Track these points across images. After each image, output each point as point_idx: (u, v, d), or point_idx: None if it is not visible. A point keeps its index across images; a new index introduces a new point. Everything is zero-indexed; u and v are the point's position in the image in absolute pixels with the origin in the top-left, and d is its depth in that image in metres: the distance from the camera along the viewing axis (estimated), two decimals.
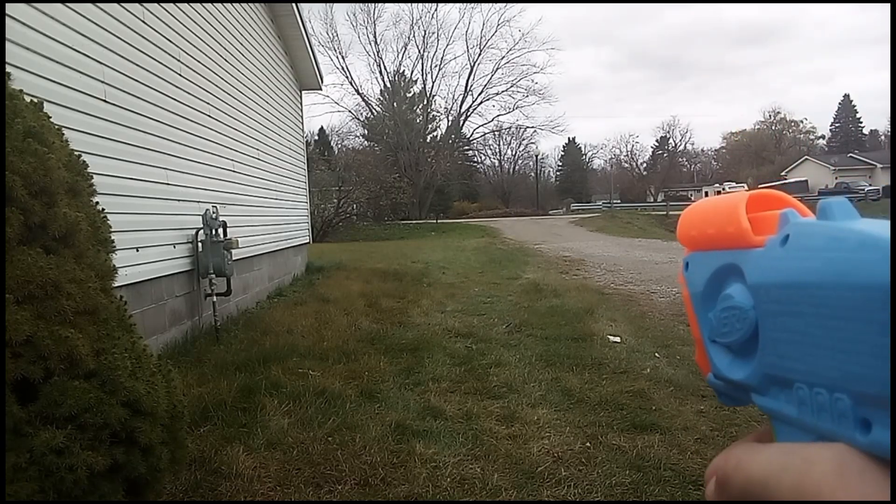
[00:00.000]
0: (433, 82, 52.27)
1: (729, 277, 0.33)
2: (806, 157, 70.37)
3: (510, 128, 57.49)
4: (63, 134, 2.41)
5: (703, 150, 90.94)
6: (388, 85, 51.97)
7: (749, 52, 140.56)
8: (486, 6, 76.10)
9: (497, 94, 52.18)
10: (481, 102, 52.84)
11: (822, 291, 0.26)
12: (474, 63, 51.17)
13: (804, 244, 0.28)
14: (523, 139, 61.13)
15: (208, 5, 6.56)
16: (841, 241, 0.26)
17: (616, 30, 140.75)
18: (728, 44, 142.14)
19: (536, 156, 57.35)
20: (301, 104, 11.29)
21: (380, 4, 56.16)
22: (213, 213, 5.96)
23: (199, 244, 5.94)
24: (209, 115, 6.48)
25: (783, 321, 0.29)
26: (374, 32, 50.72)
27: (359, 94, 51.63)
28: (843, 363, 0.25)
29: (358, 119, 53.67)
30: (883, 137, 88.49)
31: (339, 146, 50.65)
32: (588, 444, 3.46)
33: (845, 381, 0.26)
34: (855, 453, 0.25)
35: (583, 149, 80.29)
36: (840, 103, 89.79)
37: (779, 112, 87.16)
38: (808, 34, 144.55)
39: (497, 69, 51.23)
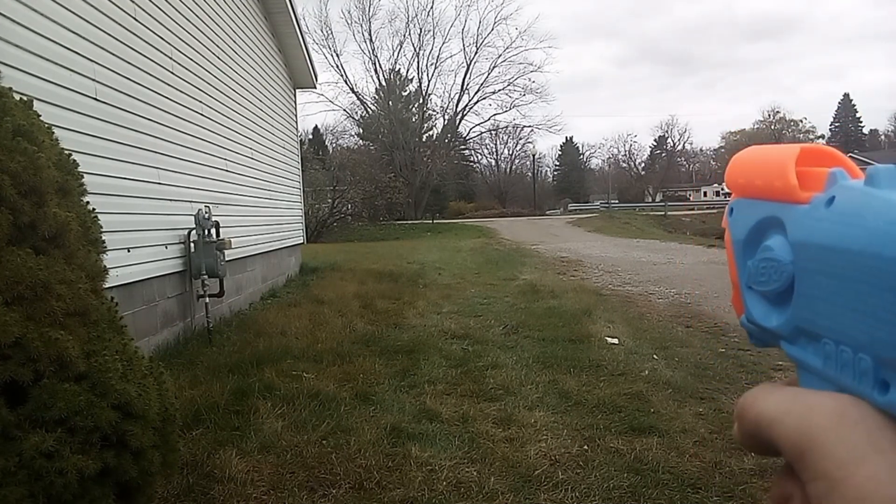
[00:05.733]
0: (429, 80, 52.22)
1: (771, 229, 0.34)
2: None
3: (507, 127, 57.54)
4: (53, 132, 2.38)
5: (701, 150, 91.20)
6: (384, 83, 51.87)
7: (760, 46, 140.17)
8: (482, 4, 76.42)
9: (494, 92, 52.17)
10: (478, 101, 52.83)
11: (861, 259, 0.27)
12: (471, 61, 51.17)
13: (848, 209, 0.29)
14: (520, 138, 61.18)
15: (201, 2, 6.51)
16: (883, 212, 0.27)
17: (624, 23, 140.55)
18: (739, 38, 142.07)
19: (533, 155, 57.33)
20: (295, 103, 11.26)
21: (374, 1, 56.19)
22: (206, 213, 5.91)
23: (192, 244, 5.89)
24: (202, 114, 6.44)
25: (819, 280, 0.30)
26: (370, 30, 50.29)
27: (353, 92, 51.54)
28: (871, 328, 0.27)
29: (353, 118, 53.61)
30: (883, 137, 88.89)
31: (334, 145, 50.56)
32: (585, 446, 3.43)
33: (871, 345, 0.27)
34: (857, 405, 0.28)
35: (580, 148, 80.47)
36: (840, 103, 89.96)
37: (778, 111, 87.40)
38: (822, 28, 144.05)
39: (494, 67, 51.24)
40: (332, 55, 54.54)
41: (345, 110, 53.04)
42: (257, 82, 8.63)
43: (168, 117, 5.58)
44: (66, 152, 2.42)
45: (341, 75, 57.85)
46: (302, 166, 12.09)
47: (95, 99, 4.38)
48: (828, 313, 0.30)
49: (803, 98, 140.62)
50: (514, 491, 2.94)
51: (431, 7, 62.95)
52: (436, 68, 51.86)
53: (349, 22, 59.36)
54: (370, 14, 50.08)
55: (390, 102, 51.09)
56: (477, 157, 65.85)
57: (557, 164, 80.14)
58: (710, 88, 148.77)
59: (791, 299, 0.32)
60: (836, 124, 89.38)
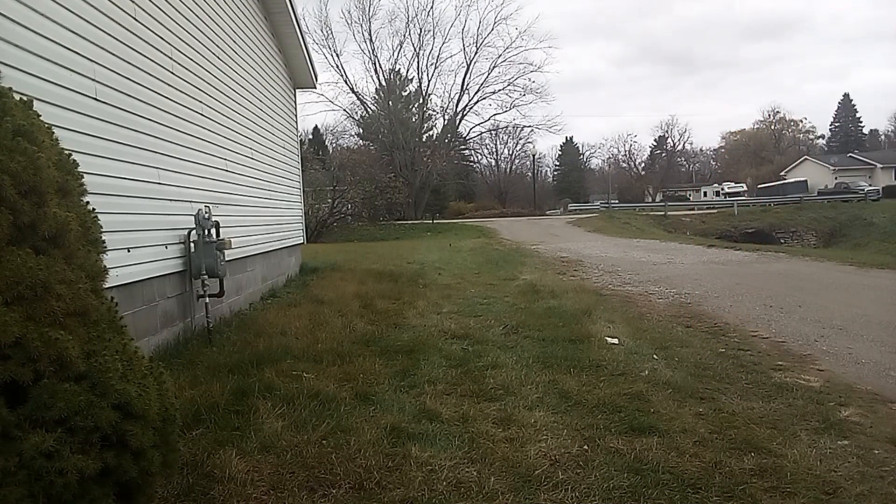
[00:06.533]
0: (429, 80, 52.22)
1: None
2: (805, 156, 70.46)
3: (507, 127, 57.52)
4: (53, 132, 2.38)
5: (701, 150, 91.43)
6: (384, 83, 51.85)
7: (761, 46, 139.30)
8: (482, 4, 76.40)
9: (494, 92, 52.16)
10: (478, 101, 52.82)
11: None
12: (471, 61, 51.15)
13: None
14: (520, 138, 61.22)
15: (201, 2, 6.51)
16: None
17: (624, 23, 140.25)
18: (739, 38, 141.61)
19: (533, 155, 57.37)
20: (295, 103, 11.26)
21: (374, 1, 56.19)
22: (206, 213, 5.91)
23: (192, 244, 5.88)
24: (202, 114, 6.43)
25: None
26: (370, 30, 50.23)
27: (353, 92, 51.52)
28: None
29: (353, 118, 53.66)
30: (883, 137, 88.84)
31: (334, 145, 50.65)
32: (585, 446, 3.43)
33: None
34: None
35: (580, 148, 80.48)
36: (840, 103, 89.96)
37: (778, 111, 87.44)
38: (822, 28, 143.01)
39: (494, 67, 51.22)
40: (332, 55, 54.61)
41: (345, 110, 53.17)
42: (257, 82, 8.63)
43: (168, 117, 5.57)
44: (66, 152, 2.41)
45: (341, 75, 57.81)
46: (302, 166, 12.09)
47: (95, 99, 4.37)
48: None
49: (803, 98, 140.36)
50: (514, 491, 2.94)
51: (431, 7, 63.01)
52: (436, 68, 51.92)
53: (349, 22, 59.31)
54: (370, 14, 50.11)
55: (390, 102, 51.08)
56: (477, 157, 65.97)
57: (557, 164, 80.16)
58: (711, 88, 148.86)
59: None
60: (836, 124, 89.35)
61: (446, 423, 3.76)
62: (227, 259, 6.19)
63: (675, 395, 4.30)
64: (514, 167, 67.86)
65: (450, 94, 54.05)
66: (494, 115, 54.27)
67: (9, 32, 3.43)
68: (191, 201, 5.96)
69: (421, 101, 52.78)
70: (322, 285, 9.54)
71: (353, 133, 54.54)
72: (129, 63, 4.88)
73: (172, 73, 5.71)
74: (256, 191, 8.41)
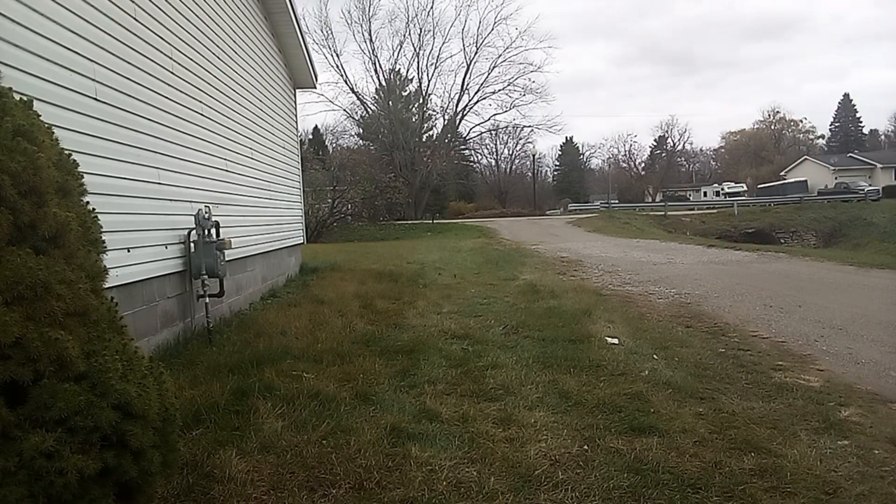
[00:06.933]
0: (429, 80, 52.23)
1: None
2: (805, 156, 70.44)
3: (507, 127, 57.54)
4: (53, 132, 2.38)
5: (701, 150, 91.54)
6: (384, 83, 51.85)
7: (761, 46, 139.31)
8: (482, 4, 76.43)
9: (494, 92, 52.17)
10: (478, 101, 52.83)
11: None
12: (471, 61, 51.17)
13: None
14: (520, 138, 61.22)
15: (201, 2, 6.51)
16: None
17: (624, 23, 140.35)
18: (740, 38, 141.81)
19: (533, 155, 57.32)
20: (295, 103, 11.26)
21: (374, 1, 56.22)
22: (206, 213, 5.91)
23: (192, 244, 5.88)
24: (202, 114, 6.43)
25: None
26: (370, 30, 50.22)
27: (353, 92, 51.51)
28: None
29: (353, 118, 53.64)
30: (883, 137, 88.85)
31: (334, 145, 50.57)
32: (585, 446, 3.43)
33: None
34: None
35: (580, 148, 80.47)
36: (840, 103, 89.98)
37: (778, 111, 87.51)
38: (822, 28, 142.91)
39: (494, 67, 51.23)
40: (332, 55, 54.71)
41: (345, 110, 53.17)
42: (257, 82, 8.63)
43: (168, 117, 5.57)
44: (66, 152, 2.41)
45: (341, 75, 57.83)
46: (302, 166, 12.10)
47: (95, 99, 4.37)
48: None
49: (803, 98, 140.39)
50: (514, 491, 2.94)
51: (431, 7, 63.10)
52: (436, 68, 51.92)
53: (349, 22, 59.25)
54: (370, 14, 50.10)
55: (390, 102, 51.07)
56: (477, 157, 65.95)
57: (557, 164, 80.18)
58: (711, 88, 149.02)
59: None
60: (836, 124, 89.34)
61: (446, 423, 3.76)
62: (227, 259, 6.19)
63: (675, 395, 4.30)
64: (514, 167, 67.92)
65: (450, 94, 54.18)
66: (494, 115, 54.36)
67: (9, 32, 3.43)
68: (191, 201, 5.96)
69: (421, 101, 52.80)
70: (322, 285, 9.55)
71: (353, 133, 54.62)
72: (129, 63, 4.88)
73: (172, 73, 5.71)
74: (256, 191, 8.41)
